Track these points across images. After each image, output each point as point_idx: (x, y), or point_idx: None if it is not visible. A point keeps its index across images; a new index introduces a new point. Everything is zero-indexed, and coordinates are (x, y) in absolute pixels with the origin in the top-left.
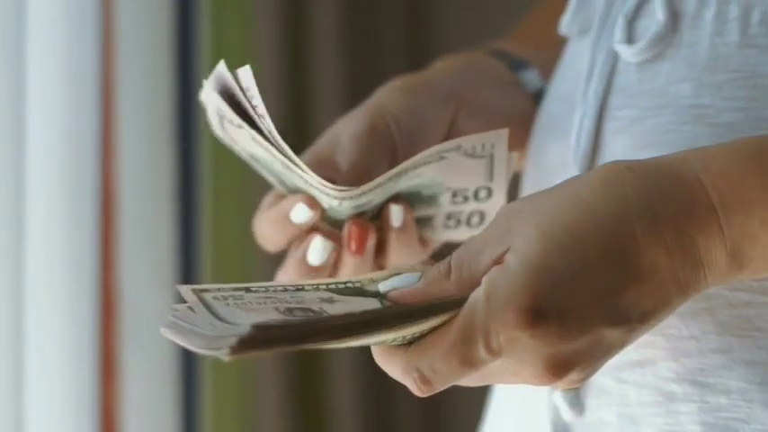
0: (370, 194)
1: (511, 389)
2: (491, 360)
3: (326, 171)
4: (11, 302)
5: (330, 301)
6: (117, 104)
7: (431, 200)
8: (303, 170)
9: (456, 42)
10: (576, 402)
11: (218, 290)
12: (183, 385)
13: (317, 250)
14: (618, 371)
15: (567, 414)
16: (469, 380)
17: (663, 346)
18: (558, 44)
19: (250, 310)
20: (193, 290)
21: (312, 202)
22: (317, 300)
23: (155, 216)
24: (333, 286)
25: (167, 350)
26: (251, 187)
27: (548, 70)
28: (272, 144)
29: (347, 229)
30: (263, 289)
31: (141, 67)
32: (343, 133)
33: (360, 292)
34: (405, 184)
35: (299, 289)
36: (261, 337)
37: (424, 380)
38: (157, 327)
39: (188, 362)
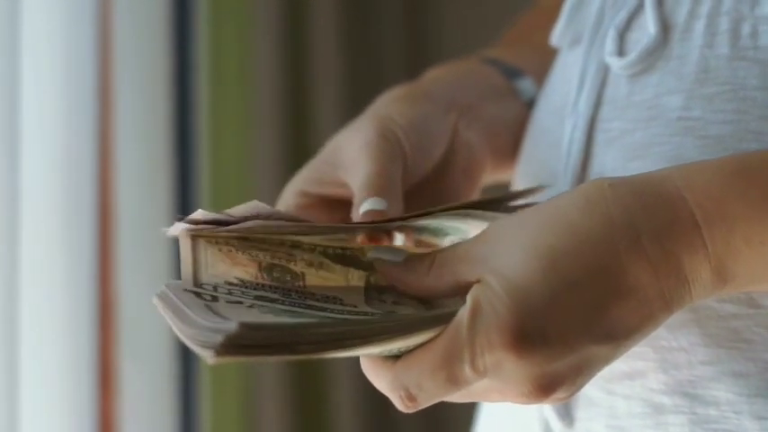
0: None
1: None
2: (477, 379)
3: (330, 189)
4: (5, 309)
5: (318, 266)
6: (114, 108)
7: (440, 235)
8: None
9: (456, 43)
10: (566, 414)
11: (216, 234)
12: (182, 393)
13: None
14: (607, 382)
15: (556, 426)
16: (456, 397)
17: (652, 358)
18: (548, 51)
19: (238, 303)
20: (191, 234)
21: None
22: (307, 262)
23: (152, 221)
24: (330, 251)
25: (165, 357)
26: (250, 192)
27: (539, 77)
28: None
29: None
30: (261, 239)
31: (139, 69)
32: (349, 147)
33: (353, 261)
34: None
35: (295, 245)
36: (246, 337)
37: (410, 397)
38: (155, 334)
39: (186, 369)
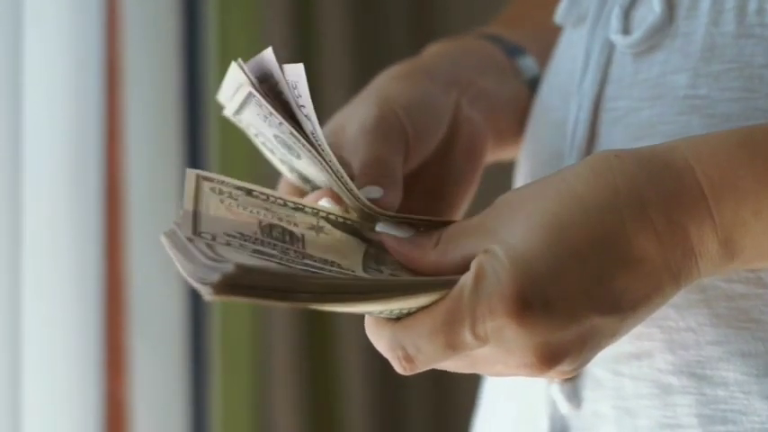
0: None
1: (507, 382)
2: (477, 346)
3: None
4: (10, 289)
5: (318, 229)
6: (123, 91)
7: None
8: (343, 183)
9: (462, 26)
10: (573, 395)
11: (221, 182)
12: (193, 376)
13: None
14: (614, 363)
15: (564, 407)
16: (461, 367)
17: (659, 338)
18: (547, 29)
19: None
20: (198, 175)
21: (337, 198)
22: (307, 225)
23: (162, 204)
24: (332, 217)
25: (177, 340)
26: (258, 176)
27: (539, 55)
28: (311, 146)
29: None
30: (264, 197)
31: (148, 54)
32: (350, 127)
33: (354, 230)
34: None
35: (298, 208)
36: (242, 278)
37: (408, 358)
38: (166, 316)
39: (198, 349)
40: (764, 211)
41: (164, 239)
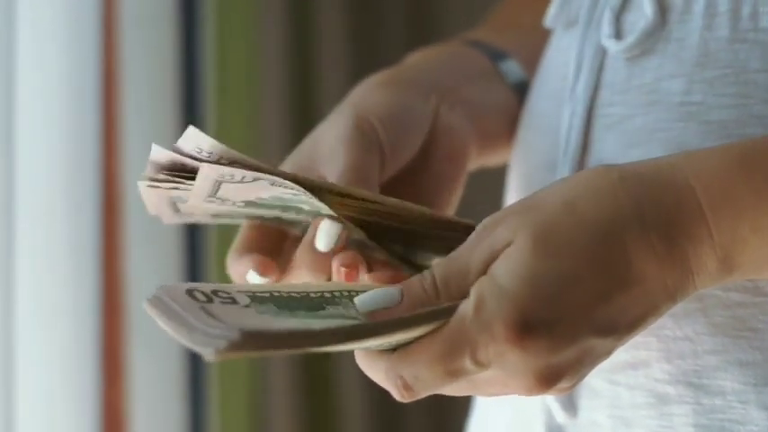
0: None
1: None
2: (477, 372)
3: None
4: (4, 297)
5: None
6: (120, 92)
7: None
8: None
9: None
10: (569, 404)
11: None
12: (191, 384)
13: (325, 234)
14: (610, 372)
15: (560, 416)
16: (459, 389)
17: (656, 348)
18: (535, 33)
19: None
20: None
21: (336, 218)
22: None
23: None
24: (328, 295)
25: (175, 347)
26: None
27: (525, 60)
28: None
29: (335, 267)
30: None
31: (145, 55)
32: (326, 139)
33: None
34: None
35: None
36: (249, 343)
37: (407, 386)
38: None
39: (196, 359)
40: (763, 228)
41: (148, 307)
